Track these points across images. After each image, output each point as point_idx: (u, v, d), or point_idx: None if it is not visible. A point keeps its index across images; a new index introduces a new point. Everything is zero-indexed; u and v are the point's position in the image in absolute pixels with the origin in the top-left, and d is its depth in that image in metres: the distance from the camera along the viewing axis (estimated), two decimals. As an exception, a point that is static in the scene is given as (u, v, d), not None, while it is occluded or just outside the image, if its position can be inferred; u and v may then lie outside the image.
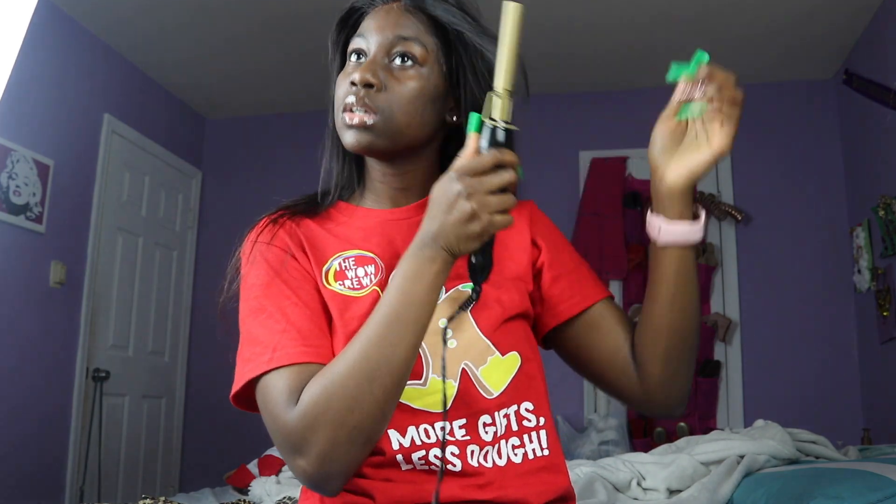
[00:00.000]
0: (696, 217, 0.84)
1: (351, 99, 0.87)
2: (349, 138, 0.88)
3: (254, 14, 3.39)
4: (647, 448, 2.42)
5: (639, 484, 1.80)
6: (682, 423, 3.69)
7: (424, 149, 0.94)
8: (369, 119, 0.86)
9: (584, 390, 3.85)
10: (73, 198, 3.33)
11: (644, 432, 3.70)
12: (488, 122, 0.77)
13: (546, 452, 0.88)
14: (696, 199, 3.86)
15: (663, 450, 1.99)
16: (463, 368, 0.86)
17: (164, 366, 4.04)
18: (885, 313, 3.19)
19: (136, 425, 3.74)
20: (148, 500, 1.87)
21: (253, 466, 2.62)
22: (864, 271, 3.45)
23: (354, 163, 0.98)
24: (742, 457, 1.74)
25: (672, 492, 1.76)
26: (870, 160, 3.44)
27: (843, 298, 3.67)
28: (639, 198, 3.93)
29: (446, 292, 0.88)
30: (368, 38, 0.91)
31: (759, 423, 2.07)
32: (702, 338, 3.76)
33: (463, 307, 0.81)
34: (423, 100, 0.89)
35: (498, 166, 0.74)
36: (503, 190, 0.74)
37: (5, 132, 2.92)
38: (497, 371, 0.87)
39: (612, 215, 3.91)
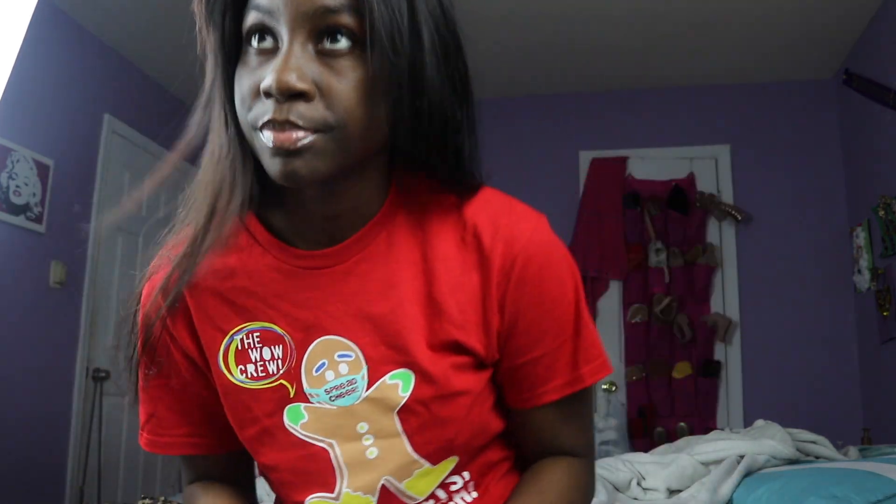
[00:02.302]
0: None
1: (268, 116, 0.60)
2: (279, 168, 0.61)
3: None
4: (647, 448, 2.42)
5: (639, 484, 1.80)
6: (682, 423, 3.69)
7: (378, 155, 0.68)
8: (307, 139, 0.59)
9: (584, 390, 3.85)
10: (73, 198, 3.32)
11: (644, 432, 3.70)
12: None
13: (474, 495, 0.75)
14: (697, 199, 3.88)
15: (663, 450, 2.00)
16: (383, 484, 0.71)
17: (164, 366, 4.04)
18: (885, 313, 3.19)
19: (136, 425, 3.71)
20: (148, 500, 1.88)
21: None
22: (864, 271, 3.45)
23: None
24: (742, 457, 1.74)
25: (672, 492, 1.76)
26: (870, 160, 3.44)
27: (843, 298, 3.66)
28: (639, 198, 3.93)
29: (367, 389, 0.69)
30: (275, 13, 0.61)
31: (759, 423, 2.08)
32: (702, 338, 3.77)
33: None
34: (376, 92, 0.61)
35: None
36: None
37: (5, 132, 2.92)
38: (425, 479, 0.72)
39: (611, 215, 3.92)
